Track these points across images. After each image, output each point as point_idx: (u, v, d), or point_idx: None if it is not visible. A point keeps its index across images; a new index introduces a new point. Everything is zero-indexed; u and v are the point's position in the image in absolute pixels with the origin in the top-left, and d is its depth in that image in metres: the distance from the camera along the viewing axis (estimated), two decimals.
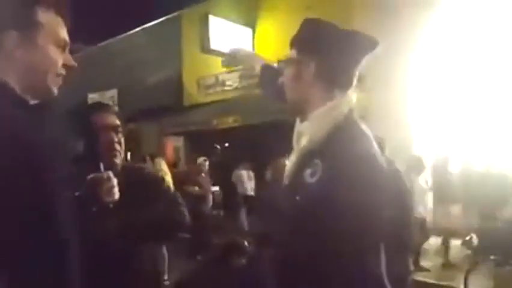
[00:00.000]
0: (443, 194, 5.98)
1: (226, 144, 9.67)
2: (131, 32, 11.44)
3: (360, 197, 1.06)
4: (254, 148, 7.68)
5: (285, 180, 1.29)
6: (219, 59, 8.41)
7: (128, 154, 11.21)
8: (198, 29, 8.05)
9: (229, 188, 7.17)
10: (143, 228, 1.56)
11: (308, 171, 1.17)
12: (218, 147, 9.56)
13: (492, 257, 4.42)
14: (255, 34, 8.45)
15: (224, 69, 8.88)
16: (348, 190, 1.07)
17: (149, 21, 10.95)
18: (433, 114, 7.15)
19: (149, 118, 9.76)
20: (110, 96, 11.34)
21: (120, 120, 1.72)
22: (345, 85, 1.23)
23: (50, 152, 1.00)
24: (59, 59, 1.08)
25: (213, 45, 7.78)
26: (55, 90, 1.09)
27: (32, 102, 1.06)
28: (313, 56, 1.21)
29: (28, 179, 0.90)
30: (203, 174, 6.47)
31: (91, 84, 11.41)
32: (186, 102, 9.91)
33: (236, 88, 8.82)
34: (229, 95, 8.85)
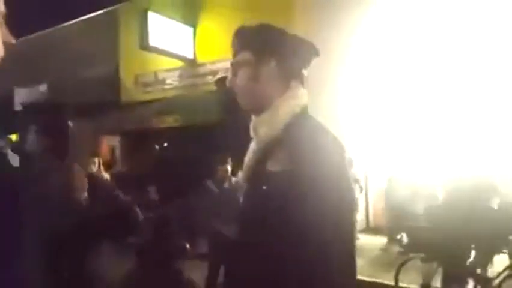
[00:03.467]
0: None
1: (165, 145, 9.47)
2: (66, 24, 10.85)
3: (323, 183, 1.11)
4: (193, 148, 7.59)
5: (245, 174, 1.33)
6: (159, 56, 8.23)
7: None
8: (137, 25, 7.81)
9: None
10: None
11: (271, 161, 1.21)
12: (157, 147, 9.33)
13: (420, 254, 4.77)
14: (196, 33, 8.37)
15: (163, 67, 8.71)
16: (311, 178, 1.11)
17: (85, 14, 10.45)
18: (365, 115, 7.48)
19: (83, 115, 9.29)
20: (39, 91, 10.66)
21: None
22: (300, 81, 1.32)
23: None
24: (2, 35, 0.96)
25: (152, 42, 7.60)
26: None
27: None
28: (274, 56, 1.29)
29: None
30: None
31: (20, 77, 10.66)
32: (123, 99, 9.57)
33: (176, 87, 8.68)
34: (169, 94, 8.68)
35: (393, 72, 6.79)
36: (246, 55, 1.32)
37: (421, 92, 6.69)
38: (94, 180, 1.81)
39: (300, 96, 1.30)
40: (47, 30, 11.26)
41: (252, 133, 1.34)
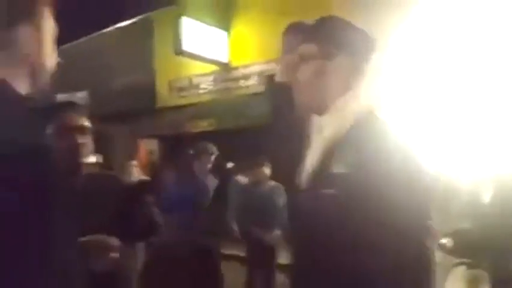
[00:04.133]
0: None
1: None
2: (103, 32, 11.19)
3: (398, 180, 1.05)
4: (229, 152, 7.63)
5: (306, 177, 1.24)
6: (193, 61, 8.32)
7: (101, 157, 10.93)
8: (171, 31, 7.94)
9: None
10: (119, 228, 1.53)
11: (336, 163, 1.14)
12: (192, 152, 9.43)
13: (465, 260, 4.52)
14: (230, 37, 8.41)
15: (197, 72, 8.81)
16: (385, 174, 1.05)
17: (121, 22, 10.73)
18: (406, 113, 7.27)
19: (121, 121, 9.55)
20: (80, 97, 11.04)
21: (89, 121, 1.67)
22: (362, 78, 1.24)
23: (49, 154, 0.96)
24: (55, 52, 1.08)
25: (186, 47, 7.70)
26: (49, 84, 1.09)
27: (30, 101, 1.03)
28: (342, 49, 1.21)
29: (35, 181, 0.85)
30: None
31: (61, 85, 11.08)
32: (159, 104, 9.76)
33: (210, 91, 8.75)
34: (203, 98, 8.77)
35: (434, 72, 6.58)
36: (311, 47, 1.24)
37: (466, 89, 6.44)
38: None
39: (366, 94, 1.23)
40: (85, 38, 11.65)
41: (314, 134, 1.26)
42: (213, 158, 4.14)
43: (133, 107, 9.41)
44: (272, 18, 7.19)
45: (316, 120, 1.27)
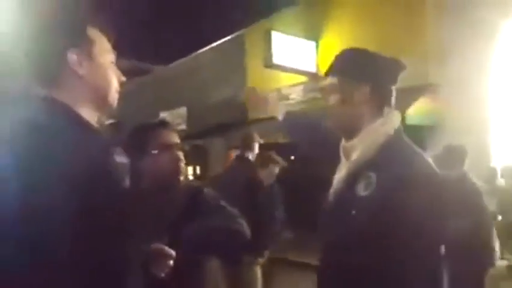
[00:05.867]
0: None
1: (292, 158, 9.67)
2: (199, 51, 11.94)
3: (419, 205, 1.07)
4: (318, 162, 7.59)
5: (333, 197, 1.31)
6: (282, 74, 8.49)
7: (198, 169, 11.58)
8: (261, 45, 8.21)
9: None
10: (202, 239, 1.57)
11: (360, 185, 1.19)
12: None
13: None
14: (319, 47, 8.44)
15: (287, 83, 8.96)
16: (406, 198, 1.08)
17: (215, 41, 11.37)
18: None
19: (216, 134, 10.07)
20: (180, 113, 11.87)
21: (179, 137, 1.72)
22: (391, 102, 1.30)
23: (119, 175, 1.04)
24: (115, 74, 1.11)
25: (276, 60, 7.89)
26: (115, 106, 1.12)
27: (96, 124, 1.08)
28: (366, 79, 1.27)
29: (107, 202, 0.92)
30: None
31: (162, 102, 12.05)
32: (251, 116, 10.10)
33: (299, 101, 8.83)
34: (293, 109, 8.87)
35: None
36: (333, 80, 1.33)
37: None
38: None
39: (394, 120, 1.27)
40: (184, 59, 12.53)
41: (342, 156, 1.33)
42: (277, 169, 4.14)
43: (226, 120, 9.87)
44: (361, 26, 7.09)
45: (345, 144, 1.32)
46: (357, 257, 1.14)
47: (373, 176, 1.16)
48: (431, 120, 6.03)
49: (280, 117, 1.74)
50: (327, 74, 1.37)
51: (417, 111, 5.79)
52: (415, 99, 5.82)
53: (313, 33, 8.44)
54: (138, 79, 13.69)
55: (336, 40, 8.07)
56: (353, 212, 1.17)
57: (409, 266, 1.07)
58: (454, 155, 3.24)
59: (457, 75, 5.56)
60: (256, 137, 4.03)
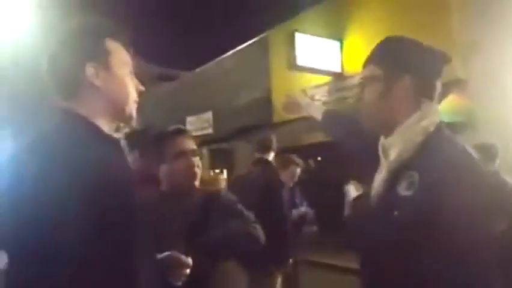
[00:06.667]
0: None
1: (319, 158, 9.61)
2: (223, 56, 12.05)
3: (466, 203, 1.01)
4: (344, 163, 7.52)
5: (374, 197, 1.26)
6: (307, 75, 8.45)
7: (225, 172, 11.68)
8: (285, 47, 8.20)
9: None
10: (218, 243, 1.59)
11: (402, 185, 1.13)
12: (310, 162, 9.53)
13: None
14: (343, 47, 8.36)
15: (312, 84, 8.91)
16: (452, 197, 1.01)
17: (240, 45, 11.44)
18: None
19: (241, 137, 10.12)
20: (206, 118, 12.00)
21: (205, 142, 1.75)
22: (432, 96, 1.22)
23: (137, 186, 1.04)
24: (133, 84, 1.12)
25: (300, 62, 7.86)
26: (135, 116, 1.12)
27: (116, 136, 1.10)
28: (408, 70, 1.20)
29: (125, 215, 0.93)
30: None
31: (189, 107, 12.21)
32: (276, 119, 10.10)
33: (325, 102, 8.77)
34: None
35: None
36: (376, 70, 1.25)
37: None
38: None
39: (433, 114, 1.19)
40: (209, 64, 12.67)
41: (380, 155, 1.26)
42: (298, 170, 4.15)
43: (252, 122, 9.91)
44: (386, 24, 6.98)
45: (383, 141, 1.26)
46: (401, 260, 1.10)
47: (415, 175, 1.10)
48: (461, 117, 5.88)
49: (318, 116, 1.72)
50: (366, 63, 1.29)
51: (446, 107, 5.65)
52: (445, 95, 5.69)
53: (338, 33, 8.37)
54: (166, 85, 13.95)
55: (360, 39, 7.98)
56: (396, 213, 1.11)
57: (455, 268, 1.01)
58: (486, 153, 3.15)
59: (484, 70, 5.41)
60: (274, 139, 4.08)
